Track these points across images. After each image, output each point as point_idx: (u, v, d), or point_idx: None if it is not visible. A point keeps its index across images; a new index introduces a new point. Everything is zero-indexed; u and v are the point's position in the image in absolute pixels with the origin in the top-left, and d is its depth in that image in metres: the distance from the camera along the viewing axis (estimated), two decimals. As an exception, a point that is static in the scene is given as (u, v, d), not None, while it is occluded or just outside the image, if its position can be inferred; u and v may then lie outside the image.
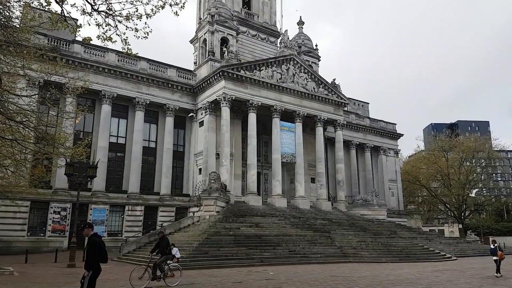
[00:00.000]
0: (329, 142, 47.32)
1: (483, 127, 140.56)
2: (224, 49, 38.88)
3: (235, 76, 35.66)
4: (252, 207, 33.85)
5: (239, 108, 37.89)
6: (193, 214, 31.67)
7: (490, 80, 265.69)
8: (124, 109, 36.64)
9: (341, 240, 29.22)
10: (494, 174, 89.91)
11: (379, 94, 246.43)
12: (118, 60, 35.60)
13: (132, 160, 34.94)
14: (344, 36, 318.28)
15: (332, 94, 42.83)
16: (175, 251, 20.70)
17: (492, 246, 19.33)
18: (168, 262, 20.32)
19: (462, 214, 63.84)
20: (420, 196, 71.22)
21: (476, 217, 69.63)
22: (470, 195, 41.86)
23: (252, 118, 36.60)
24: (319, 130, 41.85)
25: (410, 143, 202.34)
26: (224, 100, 35.15)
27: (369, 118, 55.70)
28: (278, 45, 44.98)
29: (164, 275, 13.88)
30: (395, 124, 58.65)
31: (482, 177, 70.28)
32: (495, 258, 18.54)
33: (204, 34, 41.65)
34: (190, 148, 39.29)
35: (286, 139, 39.00)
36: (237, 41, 42.06)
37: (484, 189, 75.36)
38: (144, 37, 11.20)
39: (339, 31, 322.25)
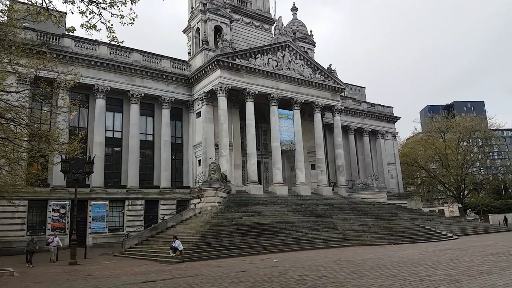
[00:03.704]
0: (328, 128, 47.03)
1: (478, 107, 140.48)
2: (218, 38, 38.25)
3: (230, 65, 35.15)
4: (254, 196, 33.72)
5: (236, 97, 37.46)
6: (195, 206, 31.50)
7: (485, 64, 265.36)
8: (119, 102, 36.13)
9: (343, 225, 29.19)
10: (491, 153, 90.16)
11: (377, 78, 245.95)
12: (110, 53, 35.01)
13: (130, 154, 34.59)
14: (344, 20, 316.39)
15: (329, 80, 42.42)
16: (177, 243, 20.62)
17: None
18: (171, 254, 20.36)
19: (461, 193, 64.22)
20: (419, 177, 71.51)
21: (475, 196, 70.00)
22: None
23: (249, 107, 36.22)
24: (317, 117, 41.55)
25: (408, 126, 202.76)
26: (221, 90, 34.70)
27: (366, 102, 55.39)
28: (273, 32, 44.33)
29: None
30: (392, 107, 58.38)
31: (479, 156, 70.55)
32: None
33: (197, 23, 40.96)
34: (188, 140, 38.96)
35: (285, 127, 38.69)
36: (230, 29, 41.40)
37: (481, 168, 75.73)
38: (130, 23, 10.93)
39: (339, 15, 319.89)
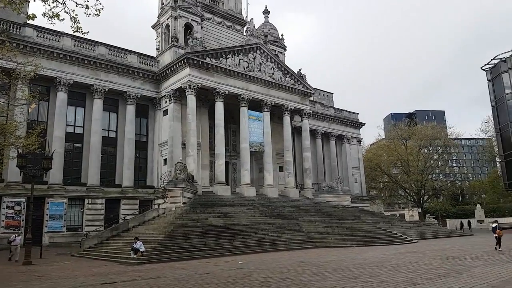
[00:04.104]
0: (296, 131, 47.54)
1: (439, 116, 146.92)
2: (188, 36, 37.70)
3: (200, 63, 34.70)
4: (221, 197, 33.40)
5: (205, 97, 37.03)
6: (158, 206, 30.78)
7: (447, 74, 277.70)
8: (82, 97, 34.73)
9: (308, 227, 29.46)
10: (449, 161, 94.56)
11: (344, 85, 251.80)
12: (75, 45, 33.64)
13: (91, 151, 33.30)
14: (315, 27, 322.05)
15: (299, 84, 42.86)
16: (139, 244, 20.00)
17: (493, 226, 23.18)
18: (132, 256, 19.73)
19: (421, 198, 66.80)
20: (382, 182, 73.76)
21: (434, 201, 72.90)
22: None
23: (219, 107, 35.89)
24: (287, 119, 41.86)
25: (372, 132, 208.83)
26: (190, 88, 34.16)
27: (333, 108, 56.45)
28: (244, 34, 44.22)
29: None
30: (358, 113, 59.83)
31: (439, 163, 73.87)
32: (495, 235, 21.97)
33: (167, 19, 40.17)
34: (154, 138, 38.02)
35: (254, 128, 38.68)
36: (201, 28, 40.93)
37: (441, 175, 79.31)
38: (95, 15, 10.61)
39: (311, 22, 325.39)
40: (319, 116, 52.15)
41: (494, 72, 45.39)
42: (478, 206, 60.47)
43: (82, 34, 11.14)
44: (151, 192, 35.51)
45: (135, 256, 19.70)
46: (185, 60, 34.15)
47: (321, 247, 25.59)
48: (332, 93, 61.08)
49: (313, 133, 49.81)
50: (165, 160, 36.05)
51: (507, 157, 43.93)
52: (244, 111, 37.49)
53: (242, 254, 21.90)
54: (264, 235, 25.95)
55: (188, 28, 39.74)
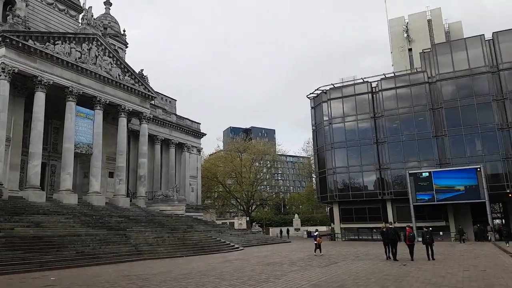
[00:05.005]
0: (133, 135, 44.85)
1: (270, 134, 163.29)
2: (8, 12, 31.59)
3: (21, 45, 29.28)
4: (33, 204, 28.53)
5: (23, 84, 31.32)
6: None
7: (282, 98, 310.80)
8: None
9: (137, 238, 27.71)
10: (276, 174, 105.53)
11: (189, 93, 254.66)
12: None
13: None
14: (163, 28, 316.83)
15: (139, 85, 40.69)
16: None
17: (314, 234, 26.17)
18: None
19: (250, 208, 72.10)
20: (217, 191, 76.76)
21: (260, 211, 79.53)
22: None
23: (39, 98, 30.82)
24: (123, 121, 39.00)
25: (212, 143, 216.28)
26: (3, 72, 28.41)
27: (176, 115, 55.84)
28: (80, 21, 39.69)
29: None
30: (200, 123, 60.78)
31: (267, 176, 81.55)
32: (315, 242, 25.07)
33: (-20, -13, 32.82)
34: None
35: (83, 127, 34.62)
36: (27, 6, 34.95)
37: (268, 186, 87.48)
38: None
39: (158, 23, 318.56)
40: (160, 122, 50.65)
41: (316, 101, 52.46)
42: (296, 215, 68.40)
43: None
44: None
45: None
46: (1, 39, 28.34)
47: (150, 259, 24.35)
48: (176, 100, 60.63)
49: (152, 138, 47.96)
50: (-41, 156, 28.72)
51: (321, 174, 50.93)
52: (71, 106, 33.17)
53: (56, 269, 18.99)
54: (85, 248, 23.13)
55: (9, 3, 33.42)
